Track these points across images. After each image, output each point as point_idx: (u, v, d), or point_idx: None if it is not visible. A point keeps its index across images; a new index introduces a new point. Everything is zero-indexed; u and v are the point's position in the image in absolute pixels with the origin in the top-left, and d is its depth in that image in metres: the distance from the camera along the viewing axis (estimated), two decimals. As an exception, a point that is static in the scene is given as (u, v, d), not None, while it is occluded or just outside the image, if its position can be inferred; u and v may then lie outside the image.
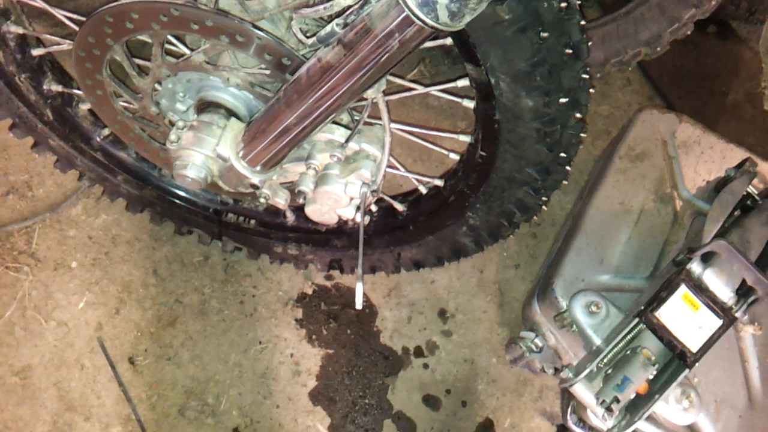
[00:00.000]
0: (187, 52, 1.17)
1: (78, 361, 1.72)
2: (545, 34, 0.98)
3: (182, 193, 1.66)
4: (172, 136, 1.18)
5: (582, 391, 1.40)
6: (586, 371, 1.37)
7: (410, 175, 1.50)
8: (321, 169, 1.20)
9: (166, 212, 1.73)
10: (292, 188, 1.26)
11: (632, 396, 1.35)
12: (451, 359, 1.87)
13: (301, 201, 1.25)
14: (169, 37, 1.16)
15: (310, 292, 1.87)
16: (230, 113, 1.18)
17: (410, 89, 1.35)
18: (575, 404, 1.60)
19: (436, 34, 0.89)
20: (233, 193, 1.45)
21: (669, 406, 1.40)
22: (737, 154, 1.69)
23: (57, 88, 1.46)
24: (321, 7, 0.97)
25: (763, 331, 1.53)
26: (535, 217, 1.41)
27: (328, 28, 0.96)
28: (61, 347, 1.73)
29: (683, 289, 1.37)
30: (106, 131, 1.56)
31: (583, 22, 1.03)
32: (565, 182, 1.29)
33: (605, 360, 1.38)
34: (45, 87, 1.45)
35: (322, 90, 1.01)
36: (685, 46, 2.03)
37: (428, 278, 1.93)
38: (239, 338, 1.80)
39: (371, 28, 0.90)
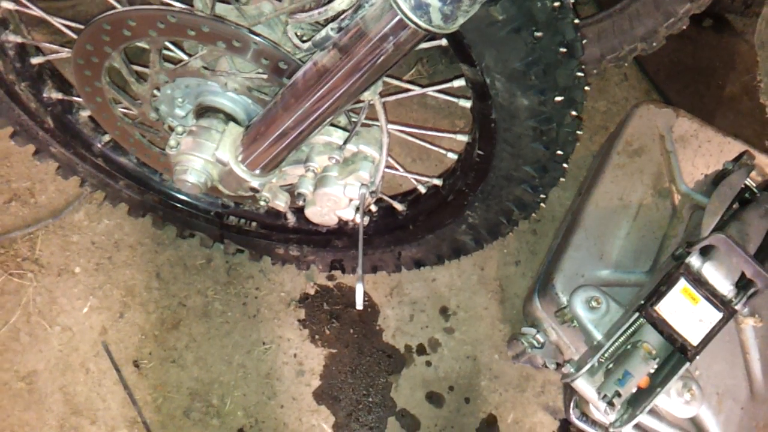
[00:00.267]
0: (185, 58, 1.18)
1: (83, 366, 1.73)
2: (539, 34, 0.99)
3: (183, 198, 1.67)
4: (172, 142, 1.19)
5: (584, 385, 1.41)
6: (588, 366, 1.38)
7: (409, 175, 1.51)
8: (320, 172, 1.21)
9: (167, 216, 1.73)
10: (291, 191, 1.27)
11: (634, 390, 1.35)
12: (453, 356, 1.88)
13: (300, 203, 1.26)
14: (167, 44, 1.17)
15: (312, 292, 1.88)
16: (229, 118, 1.19)
17: (407, 90, 1.36)
18: (578, 399, 1.61)
19: (431, 36, 0.90)
20: (234, 197, 1.46)
21: (671, 399, 1.41)
22: (735, 147, 1.69)
23: (57, 95, 1.47)
24: (316, 11, 0.98)
25: (764, 323, 1.54)
26: (533, 214, 1.42)
27: (323, 32, 0.97)
28: (66, 352, 1.74)
29: (683, 283, 1.37)
30: (107, 137, 1.56)
31: (576, 21, 1.03)
32: (562, 179, 1.29)
33: (606, 355, 1.39)
34: (45, 95, 1.46)
35: (318, 93, 1.02)
36: (682, 40, 2.03)
37: (429, 276, 1.94)
38: (243, 339, 1.81)
39: (365, 31, 0.91)
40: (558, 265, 1.59)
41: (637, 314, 1.37)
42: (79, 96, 1.43)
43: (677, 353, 1.36)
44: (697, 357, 1.34)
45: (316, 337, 1.84)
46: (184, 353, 1.78)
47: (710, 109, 2.23)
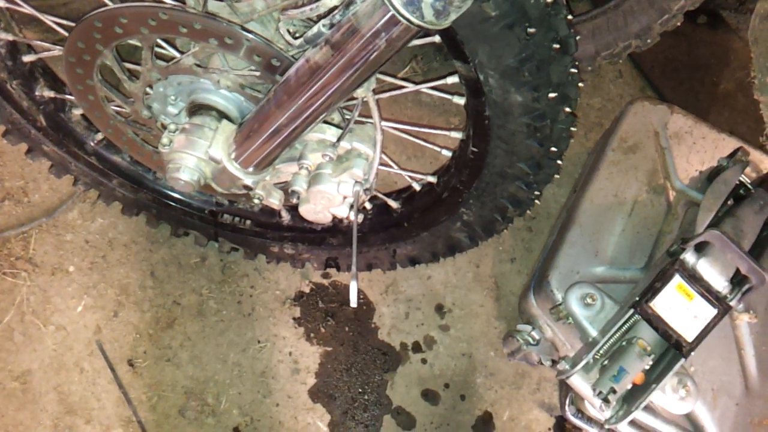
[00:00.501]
0: (178, 55, 1.18)
1: (77, 365, 1.73)
2: (532, 30, 0.98)
3: (177, 196, 1.67)
4: (164, 140, 1.18)
5: (579, 382, 1.41)
6: (583, 363, 1.38)
7: (403, 173, 1.51)
8: (313, 169, 1.21)
9: (161, 215, 1.73)
10: (285, 188, 1.27)
11: (629, 386, 1.35)
12: (449, 354, 1.88)
13: (294, 201, 1.26)
14: (159, 41, 1.16)
15: (307, 290, 1.88)
16: (221, 115, 1.19)
17: (400, 87, 1.35)
18: (573, 395, 1.61)
19: (423, 32, 0.89)
20: (227, 195, 1.45)
21: (666, 396, 1.41)
22: (729, 144, 1.70)
23: (49, 93, 1.46)
24: (307, 8, 0.97)
25: (759, 319, 1.54)
26: (528, 211, 1.42)
27: (315, 28, 0.97)
28: (61, 351, 1.73)
29: (677, 279, 1.38)
30: (100, 136, 1.56)
31: (570, 17, 1.03)
32: (557, 176, 1.29)
33: (601, 351, 1.39)
34: (37, 93, 1.46)
35: (311, 90, 1.01)
36: (676, 37, 2.03)
37: (425, 274, 1.94)
38: (238, 338, 1.81)
39: (358, 28, 0.90)
40: (553, 262, 1.59)
41: (632, 311, 1.37)
42: (71, 94, 1.42)
43: (672, 349, 1.36)
44: (692, 353, 1.34)
45: (312, 335, 1.84)
46: (179, 352, 1.77)
47: (705, 106, 2.23)
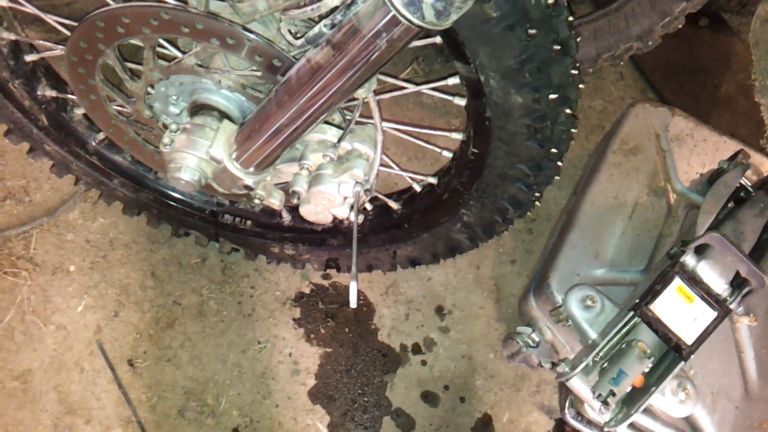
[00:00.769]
0: (179, 55, 1.18)
1: (78, 365, 1.73)
2: (533, 31, 0.98)
3: (178, 196, 1.67)
4: (166, 139, 1.18)
5: (578, 385, 1.40)
6: (582, 365, 1.38)
7: (404, 173, 1.51)
8: (314, 170, 1.21)
9: (162, 215, 1.73)
10: (286, 189, 1.27)
11: (628, 389, 1.35)
12: (448, 355, 1.88)
13: (295, 201, 1.26)
14: (161, 41, 1.17)
15: (307, 291, 1.88)
16: (223, 115, 1.19)
17: (401, 88, 1.35)
18: (573, 398, 1.61)
19: (424, 33, 0.90)
20: (228, 195, 1.46)
21: (665, 399, 1.41)
22: (730, 147, 1.69)
23: (51, 93, 1.47)
24: (309, 8, 0.98)
25: (759, 323, 1.54)
26: (528, 213, 1.42)
27: (316, 29, 0.97)
28: (61, 351, 1.73)
29: (677, 282, 1.37)
30: (101, 135, 1.56)
31: (571, 18, 1.03)
32: (557, 178, 1.29)
33: (601, 354, 1.39)
34: (39, 92, 1.46)
35: (312, 90, 1.01)
36: (677, 39, 2.03)
37: (425, 275, 1.94)
38: (238, 338, 1.81)
39: (359, 28, 0.91)
40: (553, 264, 1.59)
41: (632, 313, 1.37)
42: (73, 94, 1.42)
43: (672, 352, 1.36)
44: (692, 356, 1.34)
45: (312, 336, 1.84)
46: (179, 352, 1.77)
47: (706, 108, 2.23)
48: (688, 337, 1.35)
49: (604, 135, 1.89)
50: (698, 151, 1.69)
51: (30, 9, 1.28)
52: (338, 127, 1.20)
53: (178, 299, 1.82)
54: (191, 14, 1.05)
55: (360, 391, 1.81)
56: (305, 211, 1.28)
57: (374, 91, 1.15)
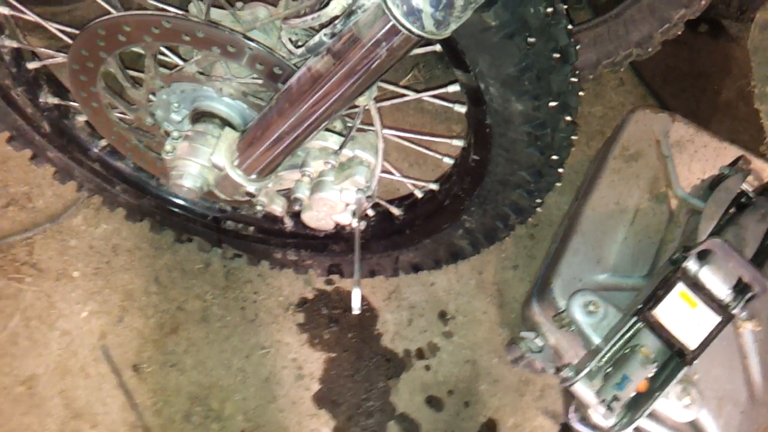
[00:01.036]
0: (181, 63, 1.18)
1: (83, 370, 1.73)
2: (532, 40, 0.99)
3: (181, 202, 1.67)
4: (168, 147, 1.19)
5: (582, 390, 1.40)
6: (586, 370, 1.38)
7: (405, 180, 1.51)
8: (316, 176, 1.21)
9: (165, 221, 1.74)
10: (288, 195, 1.27)
11: (632, 394, 1.35)
12: (452, 360, 1.88)
13: (297, 208, 1.26)
14: (162, 49, 1.17)
15: (310, 296, 1.88)
16: (224, 123, 1.19)
17: (402, 95, 1.36)
18: (577, 403, 1.61)
19: (424, 41, 0.90)
20: (230, 202, 1.46)
21: (670, 403, 1.41)
22: (731, 152, 1.69)
23: (53, 100, 1.47)
24: (309, 17, 0.98)
25: (762, 327, 1.54)
26: (530, 219, 1.42)
27: (317, 37, 0.97)
28: (66, 356, 1.74)
29: (680, 287, 1.37)
30: (103, 142, 1.57)
31: (570, 26, 1.04)
32: (558, 184, 1.29)
33: (605, 359, 1.39)
34: (41, 100, 1.46)
35: (313, 98, 1.01)
36: (677, 45, 2.03)
37: (428, 281, 1.94)
38: (242, 344, 1.81)
39: (359, 37, 0.91)
40: (556, 270, 1.59)
41: (635, 318, 1.37)
42: (75, 101, 1.43)
43: (675, 357, 1.35)
44: (696, 361, 1.34)
45: (315, 341, 1.84)
46: (183, 357, 1.78)
47: (706, 114, 2.23)
48: (692, 342, 1.34)
49: (605, 141, 1.90)
50: (699, 156, 1.69)
51: (31, 17, 1.28)
52: (339, 134, 1.20)
53: (181, 305, 1.82)
54: (192, 23, 1.06)
55: (364, 396, 1.81)
56: (307, 218, 1.28)
57: (375, 98, 1.15)
